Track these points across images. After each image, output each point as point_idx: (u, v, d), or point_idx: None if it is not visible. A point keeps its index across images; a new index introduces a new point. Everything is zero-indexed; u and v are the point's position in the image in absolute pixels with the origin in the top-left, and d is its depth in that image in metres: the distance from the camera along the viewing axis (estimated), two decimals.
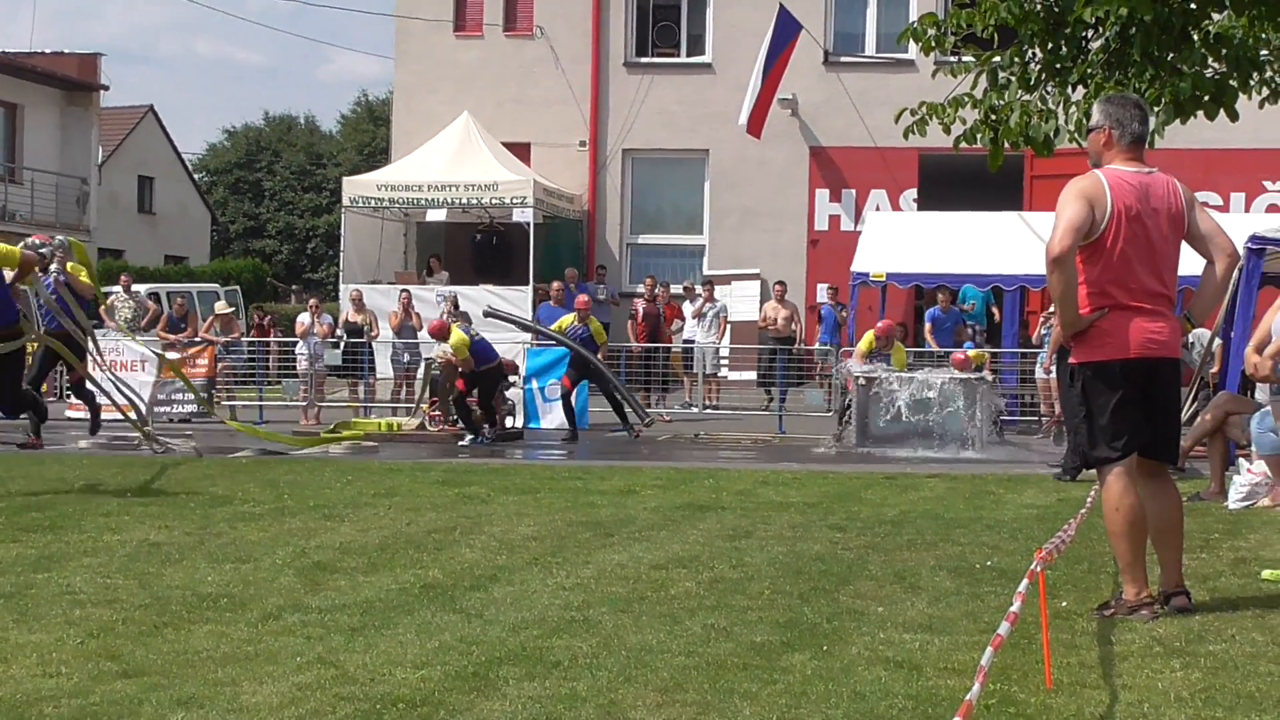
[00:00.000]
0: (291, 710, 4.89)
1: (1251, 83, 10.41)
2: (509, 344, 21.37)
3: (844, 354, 19.44)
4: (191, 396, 21.25)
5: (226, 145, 64.77)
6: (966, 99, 10.57)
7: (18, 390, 12.18)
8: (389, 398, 22.14)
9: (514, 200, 25.58)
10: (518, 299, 25.13)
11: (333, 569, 7.73)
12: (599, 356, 18.92)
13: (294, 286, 49.98)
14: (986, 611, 6.43)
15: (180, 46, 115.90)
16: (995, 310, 22.37)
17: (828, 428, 18.46)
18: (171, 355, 21.42)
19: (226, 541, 8.76)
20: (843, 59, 27.79)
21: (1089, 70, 10.23)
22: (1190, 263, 6.45)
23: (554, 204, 26.98)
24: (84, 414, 19.15)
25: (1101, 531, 7.00)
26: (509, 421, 18.98)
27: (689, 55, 28.52)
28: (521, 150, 27.78)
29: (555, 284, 23.63)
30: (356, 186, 26.99)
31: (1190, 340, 14.06)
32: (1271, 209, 25.19)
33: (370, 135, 60.02)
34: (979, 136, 10.53)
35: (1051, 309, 18.27)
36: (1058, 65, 10.44)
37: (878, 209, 26.43)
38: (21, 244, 11.99)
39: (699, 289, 24.27)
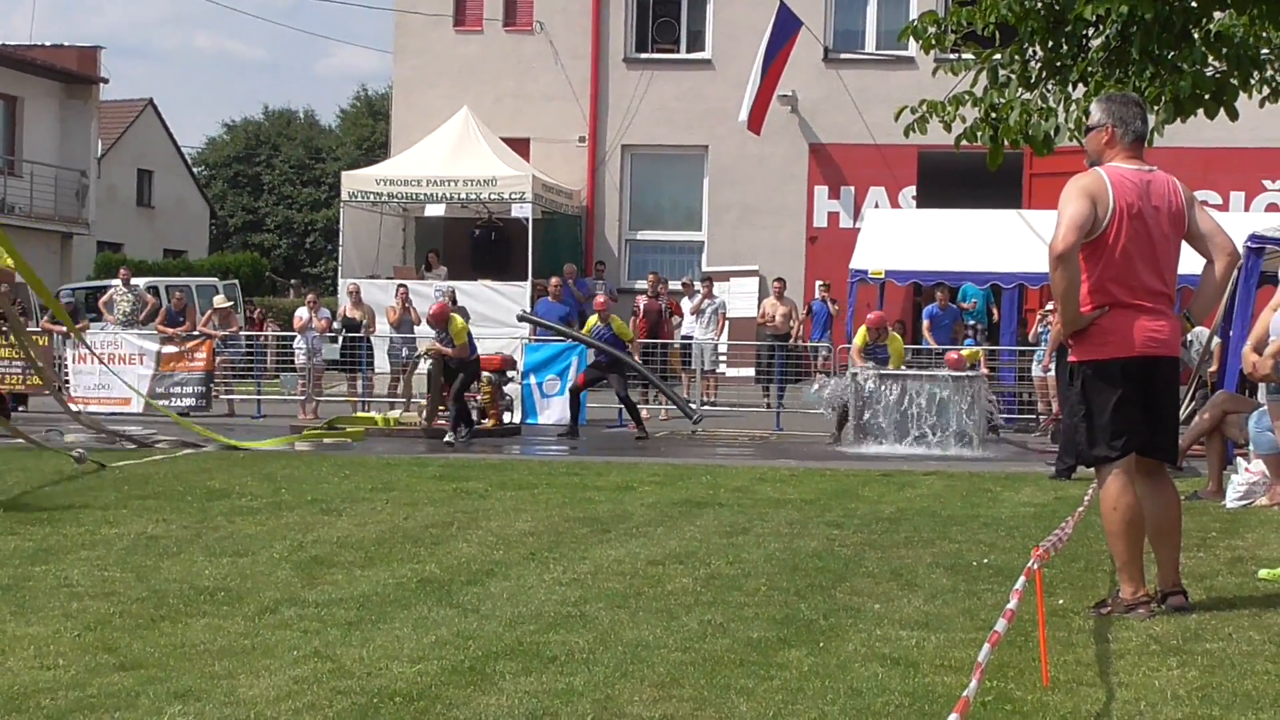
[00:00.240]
0: (288, 704, 4.89)
1: (1252, 81, 10.41)
2: (506, 339, 21.39)
3: (841, 352, 19.44)
4: (190, 390, 21.31)
5: (225, 139, 64.68)
6: (966, 97, 10.57)
7: None
8: (387, 392, 22.13)
9: (513, 195, 25.55)
10: (516, 294, 25.11)
11: (330, 563, 7.74)
12: (631, 354, 18.79)
13: (292, 281, 49.95)
14: (983, 609, 6.43)
15: (180, 40, 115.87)
16: (994, 310, 22.36)
17: (826, 425, 18.43)
18: (170, 349, 21.50)
19: (224, 535, 8.77)
20: (843, 56, 27.76)
21: (1089, 68, 10.22)
22: (1190, 262, 6.45)
23: (553, 199, 26.96)
24: (78, 407, 19.20)
25: (1099, 530, 7.00)
26: (506, 417, 18.96)
27: (689, 51, 28.49)
28: (521, 145, 27.76)
29: (553, 279, 23.61)
30: (355, 181, 26.97)
31: (1189, 339, 14.06)
32: (1271, 208, 25.17)
33: (369, 130, 59.93)
34: (979, 134, 10.53)
35: (1049, 307, 18.34)
36: (1058, 63, 10.44)
37: (877, 206, 26.43)
38: None
39: (698, 285, 24.27)
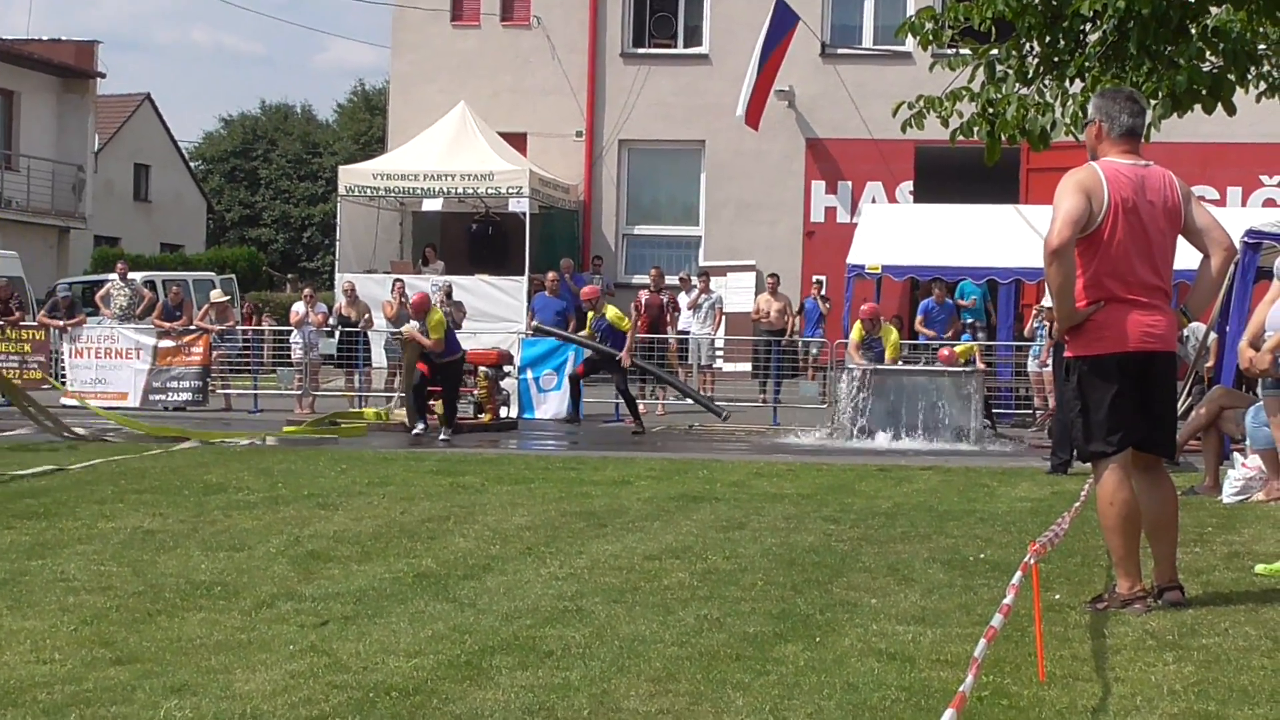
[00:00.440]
0: (284, 698, 4.89)
1: (1249, 77, 10.41)
2: (502, 334, 21.38)
3: (839, 347, 19.43)
4: (187, 384, 21.28)
5: (223, 133, 64.60)
6: (964, 92, 10.57)
7: None
8: (384, 387, 22.12)
9: (510, 190, 25.55)
10: (513, 289, 25.11)
11: (326, 557, 7.73)
12: (628, 344, 18.43)
13: (289, 275, 49.85)
14: (979, 604, 6.43)
15: (177, 35, 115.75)
16: (990, 309, 22.36)
17: (822, 419, 18.43)
18: (166, 344, 21.47)
19: (220, 529, 8.76)
20: (840, 51, 27.74)
21: (1086, 64, 10.21)
22: (1186, 257, 6.45)
23: (550, 194, 26.95)
24: (75, 402, 19.22)
25: (1095, 525, 7.00)
26: (503, 411, 18.95)
27: (686, 46, 28.47)
28: (518, 140, 27.74)
29: (550, 274, 23.59)
30: (352, 175, 26.95)
31: (1185, 334, 14.07)
32: (1268, 203, 25.18)
33: (366, 124, 59.84)
34: (976, 130, 10.52)
35: (1045, 302, 18.32)
36: (1055, 58, 10.43)
37: (874, 201, 26.43)
38: None
39: (695, 280, 24.26)
